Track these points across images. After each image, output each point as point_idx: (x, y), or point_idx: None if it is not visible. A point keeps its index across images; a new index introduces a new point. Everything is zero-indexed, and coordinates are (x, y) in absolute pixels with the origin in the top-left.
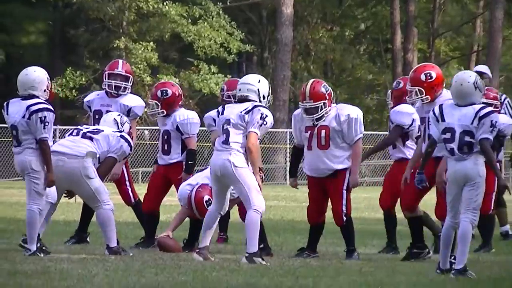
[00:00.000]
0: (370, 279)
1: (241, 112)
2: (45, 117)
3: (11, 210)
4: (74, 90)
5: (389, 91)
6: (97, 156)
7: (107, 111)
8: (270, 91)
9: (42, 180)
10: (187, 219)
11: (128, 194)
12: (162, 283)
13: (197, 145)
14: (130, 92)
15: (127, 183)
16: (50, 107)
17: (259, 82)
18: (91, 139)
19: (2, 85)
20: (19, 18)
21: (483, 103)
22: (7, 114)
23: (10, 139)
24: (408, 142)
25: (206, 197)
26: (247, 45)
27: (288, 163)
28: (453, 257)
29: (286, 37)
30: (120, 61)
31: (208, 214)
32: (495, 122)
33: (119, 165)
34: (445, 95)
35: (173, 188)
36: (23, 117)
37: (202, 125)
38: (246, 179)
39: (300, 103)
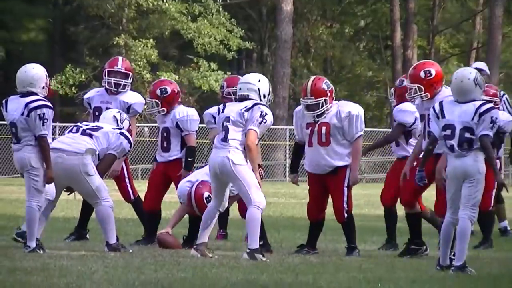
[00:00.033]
0: (370, 276)
1: (241, 109)
2: (44, 114)
3: (11, 207)
4: (73, 87)
5: (392, 89)
6: (97, 153)
7: (107, 108)
8: (270, 90)
9: (42, 177)
10: (187, 216)
11: (127, 191)
12: (161, 280)
13: (197, 142)
14: (130, 89)
15: (127, 180)
16: (49, 104)
17: (259, 81)
18: (90, 136)
19: (1, 82)
20: (19, 15)
21: (483, 100)
22: (6, 111)
23: (10, 136)
24: (411, 140)
25: (206, 194)
26: (247, 42)
27: (288, 160)
28: (453, 254)
29: (286, 34)
30: (120, 58)
31: (207, 211)
32: (495, 119)
33: (118, 162)
34: (445, 92)
35: (173, 185)
36: (22, 114)
37: (201, 122)
38: (245, 176)
39: (301, 99)
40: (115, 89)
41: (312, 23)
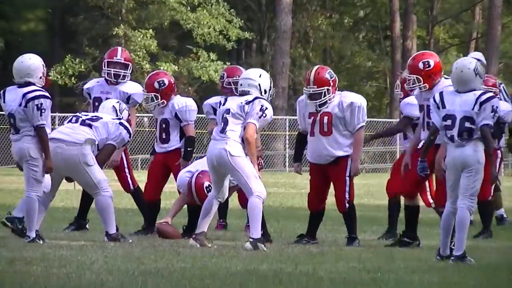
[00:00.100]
0: (370, 266)
1: (241, 102)
2: (41, 104)
3: (11, 197)
4: (73, 78)
5: (398, 81)
6: (96, 143)
7: (107, 98)
8: (271, 85)
9: (41, 167)
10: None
11: (127, 181)
12: (161, 270)
13: (197, 133)
14: (130, 80)
15: (126, 170)
16: (47, 93)
17: (260, 76)
18: (90, 126)
19: (1, 73)
20: (19, 6)
21: (483, 89)
22: (4, 102)
23: (8, 127)
24: None
25: (206, 183)
26: (246, 32)
27: (287, 150)
28: (453, 244)
29: (285, 24)
30: (119, 48)
31: (207, 200)
32: (496, 108)
33: (118, 152)
34: (444, 83)
35: (172, 175)
36: (20, 105)
37: (201, 112)
38: (243, 167)
39: (304, 88)
40: (115, 80)
41: (312, 13)
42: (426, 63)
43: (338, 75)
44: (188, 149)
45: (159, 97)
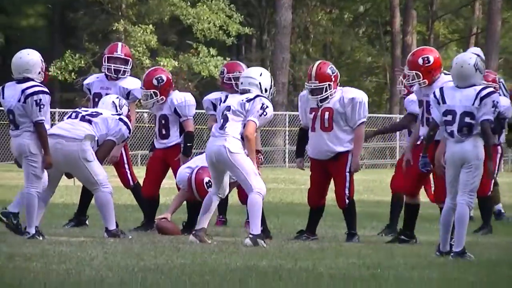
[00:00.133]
0: (369, 262)
1: (242, 100)
2: (40, 99)
3: (11, 193)
4: (73, 73)
5: (401, 77)
6: (96, 139)
7: (106, 94)
8: (272, 84)
9: (40, 163)
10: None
11: (127, 177)
12: (161, 266)
13: (196, 128)
14: (130, 75)
15: (126, 166)
16: (46, 89)
17: (260, 75)
18: (89, 122)
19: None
20: (19, 1)
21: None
22: (3, 98)
23: (8, 122)
24: None
25: (207, 179)
26: (246, 27)
27: (287, 146)
28: (453, 240)
29: (285, 19)
30: (119, 44)
31: (208, 197)
32: (496, 103)
33: (118, 148)
34: (443, 79)
35: (171, 171)
36: (19, 101)
37: (201, 107)
38: (242, 164)
39: (306, 83)
40: (115, 75)
41: (312, 8)
42: (426, 59)
43: (338, 70)
44: (188, 144)
45: (158, 93)
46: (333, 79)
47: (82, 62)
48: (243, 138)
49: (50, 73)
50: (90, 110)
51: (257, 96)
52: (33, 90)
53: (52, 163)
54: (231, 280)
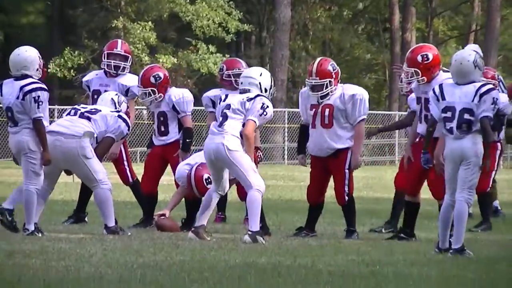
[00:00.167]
0: (368, 259)
1: (243, 99)
2: (38, 96)
3: (9, 190)
4: (72, 70)
5: (403, 74)
6: (95, 136)
7: (105, 91)
8: (272, 83)
9: (39, 160)
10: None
11: (126, 174)
12: (160, 263)
13: (195, 125)
14: (129, 72)
15: (125, 162)
16: (44, 86)
17: (260, 75)
18: (88, 119)
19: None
20: None
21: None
22: (1, 95)
23: (6, 119)
24: None
25: (206, 176)
26: (246, 24)
27: (286, 143)
28: (452, 237)
29: (285, 16)
30: (119, 40)
31: (207, 194)
32: (496, 100)
33: (117, 144)
34: (442, 76)
35: (170, 167)
36: (17, 98)
37: (200, 104)
38: (241, 161)
39: (306, 79)
40: (115, 72)
41: (311, 5)
42: (425, 56)
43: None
44: (187, 140)
45: (156, 91)
46: (334, 76)
47: (81, 59)
48: (242, 136)
49: (49, 70)
50: (89, 107)
51: (258, 95)
52: (31, 87)
53: (50, 160)
54: (230, 276)
